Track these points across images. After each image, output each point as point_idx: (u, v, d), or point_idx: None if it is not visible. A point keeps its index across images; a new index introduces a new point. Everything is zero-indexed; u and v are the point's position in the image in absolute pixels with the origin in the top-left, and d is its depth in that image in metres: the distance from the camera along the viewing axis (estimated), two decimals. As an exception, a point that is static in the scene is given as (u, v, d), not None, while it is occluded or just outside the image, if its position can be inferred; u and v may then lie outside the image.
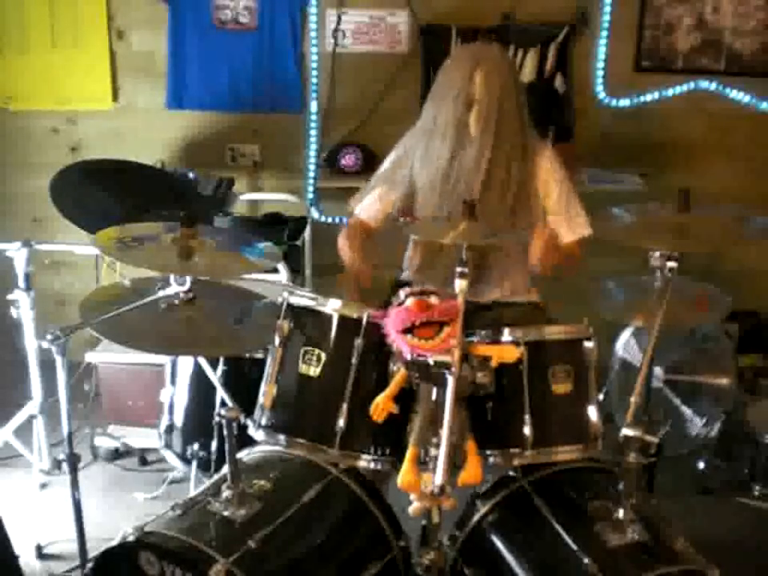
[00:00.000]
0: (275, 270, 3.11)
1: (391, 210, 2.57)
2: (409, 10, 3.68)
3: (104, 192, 2.90)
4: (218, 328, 2.11)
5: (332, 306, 1.98)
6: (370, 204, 2.61)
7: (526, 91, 2.59)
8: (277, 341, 2.01)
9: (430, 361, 1.79)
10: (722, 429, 3.24)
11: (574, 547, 1.83)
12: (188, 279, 2.03)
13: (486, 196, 2.41)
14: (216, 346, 2.14)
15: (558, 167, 2.53)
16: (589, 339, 1.99)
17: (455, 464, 1.78)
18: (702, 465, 3.22)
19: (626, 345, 3.28)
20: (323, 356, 1.96)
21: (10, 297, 2.75)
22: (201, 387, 2.46)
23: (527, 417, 1.92)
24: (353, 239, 2.58)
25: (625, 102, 3.75)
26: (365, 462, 1.97)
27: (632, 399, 1.89)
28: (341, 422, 1.92)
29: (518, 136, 2.47)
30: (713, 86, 3.74)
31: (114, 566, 1.85)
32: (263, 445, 2.12)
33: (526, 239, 2.41)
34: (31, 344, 2.82)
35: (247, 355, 2.40)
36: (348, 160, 3.71)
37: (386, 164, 2.63)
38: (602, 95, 3.74)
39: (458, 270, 1.83)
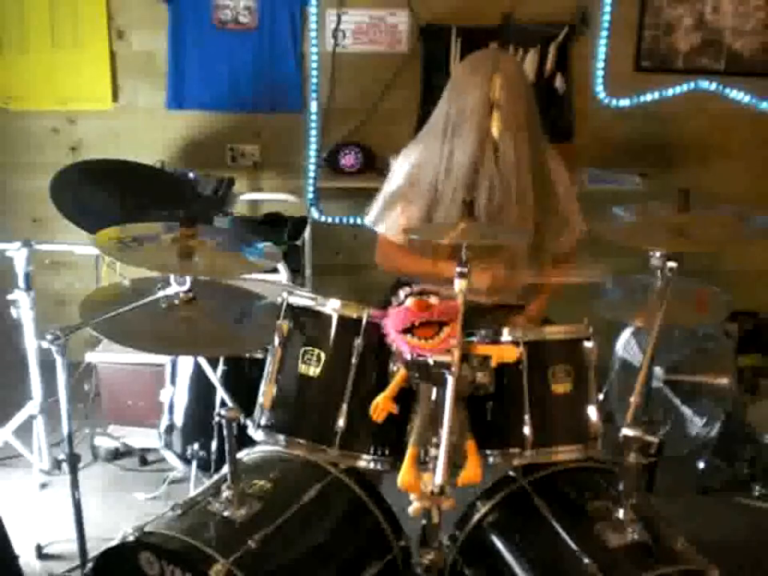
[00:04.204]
0: (275, 270, 3.11)
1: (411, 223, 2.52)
2: (409, 10, 3.67)
3: (104, 192, 2.90)
4: (218, 328, 2.11)
5: (332, 306, 1.98)
6: (393, 221, 2.54)
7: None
8: (276, 341, 2.00)
9: (430, 361, 1.78)
10: (722, 429, 3.24)
11: (574, 547, 1.83)
12: (188, 279, 2.03)
13: (506, 203, 2.37)
14: (216, 346, 2.14)
15: (564, 171, 2.53)
16: (589, 339, 1.99)
17: (455, 464, 1.78)
18: (702, 465, 3.22)
19: (626, 345, 3.28)
20: (323, 356, 1.96)
21: (9, 297, 2.75)
22: (201, 387, 2.46)
23: (527, 417, 1.92)
24: (394, 254, 2.57)
25: (625, 102, 3.75)
26: (365, 462, 1.97)
27: (632, 399, 1.89)
28: (341, 422, 1.92)
29: (537, 144, 2.43)
30: (713, 86, 3.74)
31: (114, 566, 1.86)
32: (263, 445, 2.11)
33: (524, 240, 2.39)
34: (31, 344, 2.82)
35: (247, 355, 2.40)
36: (348, 160, 3.70)
37: (399, 179, 2.54)
38: (602, 95, 3.74)
39: (458, 270, 1.83)
